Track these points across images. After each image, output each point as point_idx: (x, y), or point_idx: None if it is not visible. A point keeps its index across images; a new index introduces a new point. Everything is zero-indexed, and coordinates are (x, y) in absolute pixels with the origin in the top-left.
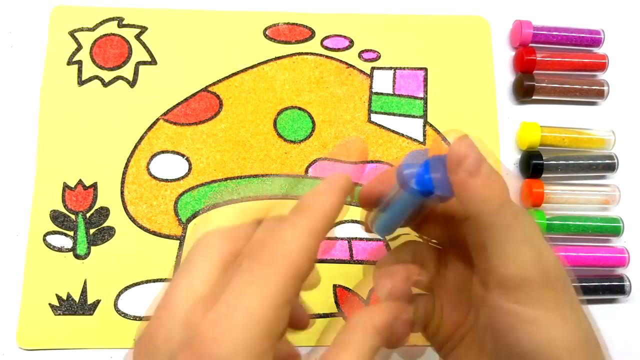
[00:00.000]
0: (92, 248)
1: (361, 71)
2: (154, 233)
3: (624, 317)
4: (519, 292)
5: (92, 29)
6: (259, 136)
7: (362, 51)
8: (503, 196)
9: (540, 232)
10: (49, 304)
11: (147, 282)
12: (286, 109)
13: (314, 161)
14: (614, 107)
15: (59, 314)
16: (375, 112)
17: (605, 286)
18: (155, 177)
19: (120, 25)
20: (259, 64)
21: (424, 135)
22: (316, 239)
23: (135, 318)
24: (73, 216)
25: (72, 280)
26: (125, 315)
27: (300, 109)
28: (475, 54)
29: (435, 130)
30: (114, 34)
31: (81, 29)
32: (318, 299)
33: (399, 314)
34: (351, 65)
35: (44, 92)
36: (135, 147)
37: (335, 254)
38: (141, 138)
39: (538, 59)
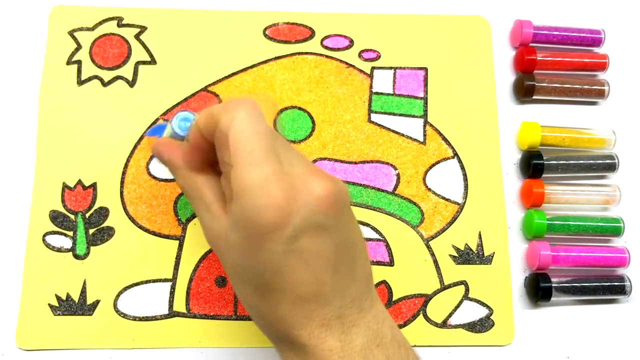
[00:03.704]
0: (92, 248)
1: (361, 71)
2: (154, 233)
3: (625, 317)
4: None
5: (92, 29)
6: None
7: (362, 51)
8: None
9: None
10: (49, 304)
11: (146, 282)
12: (286, 108)
13: (314, 161)
14: (615, 107)
15: (59, 315)
16: (376, 112)
17: (605, 286)
18: (154, 177)
19: (119, 25)
20: (259, 63)
21: (424, 135)
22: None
23: (135, 318)
24: (72, 216)
25: (72, 281)
26: (124, 316)
27: (300, 108)
28: (476, 54)
29: (436, 130)
30: (113, 34)
31: (80, 29)
32: None
33: None
34: (351, 65)
35: (44, 92)
36: (135, 147)
37: None
38: (141, 138)
39: (538, 58)
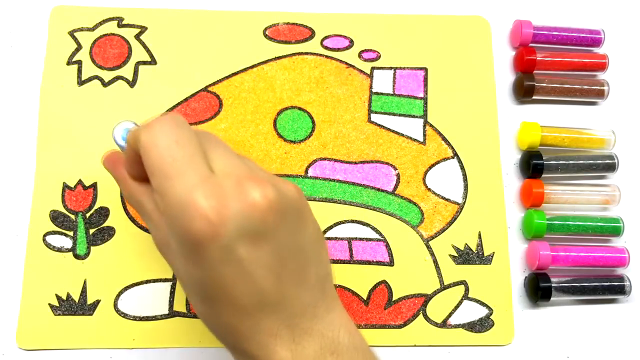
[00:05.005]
0: (92, 248)
1: (361, 71)
2: None
3: (624, 317)
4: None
5: (92, 29)
6: (258, 136)
7: (362, 51)
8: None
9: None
10: (49, 304)
11: (147, 282)
12: (286, 109)
13: (314, 161)
14: (614, 107)
15: (59, 314)
16: (375, 112)
17: (605, 286)
18: None
19: (120, 25)
20: (259, 63)
21: (424, 135)
22: None
23: (135, 318)
24: (73, 216)
25: (72, 281)
26: (125, 316)
27: (300, 108)
28: (475, 54)
29: (436, 130)
30: (113, 34)
31: (81, 29)
32: None
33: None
34: (351, 65)
35: (44, 92)
36: None
37: (335, 254)
38: None
39: (538, 58)
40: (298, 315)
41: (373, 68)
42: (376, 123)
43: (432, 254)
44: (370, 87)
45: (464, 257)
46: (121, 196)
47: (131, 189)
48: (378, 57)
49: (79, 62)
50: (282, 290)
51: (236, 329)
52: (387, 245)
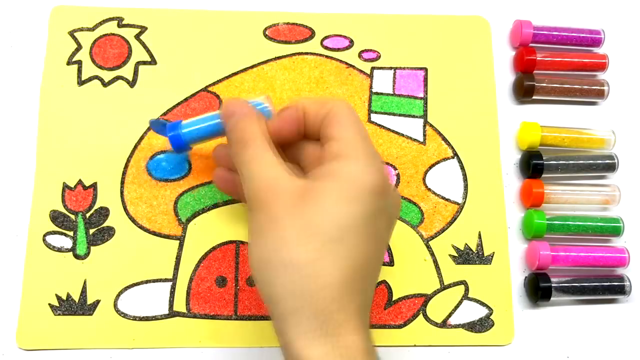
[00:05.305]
0: (92, 248)
1: (361, 71)
2: (154, 233)
3: (624, 317)
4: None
5: (92, 29)
6: None
7: (362, 51)
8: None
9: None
10: (49, 304)
11: (147, 282)
12: None
13: None
14: (614, 107)
15: (59, 314)
16: (375, 112)
17: (605, 286)
18: (155, 177)
19: (120, 25)
20: (259, 64)
21: (424, 135)
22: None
23: (135, 318)
24: (73, 216)
25: (72, 281)
26: (125, 316)
27: None
28: (475, 54)
29: (436, 130)
30: (113, 34)
31: (81, 29)
32: None
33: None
34: (351, 65)
35: (44, 92)
36: (135, 147)
37: None
38: (141, 138)
39: (538, 58)
40: (366, 306)
41: (373, 68)
42: (376, 123)
43: (432, 254)
44: (370, 87)
45: (464, 257)
46: (121, 196)
47: (266, 138)
48: (378, 57)
49: (79, 62)
50: (373, 278)
51: (337, 292)
52: (390, 253)
